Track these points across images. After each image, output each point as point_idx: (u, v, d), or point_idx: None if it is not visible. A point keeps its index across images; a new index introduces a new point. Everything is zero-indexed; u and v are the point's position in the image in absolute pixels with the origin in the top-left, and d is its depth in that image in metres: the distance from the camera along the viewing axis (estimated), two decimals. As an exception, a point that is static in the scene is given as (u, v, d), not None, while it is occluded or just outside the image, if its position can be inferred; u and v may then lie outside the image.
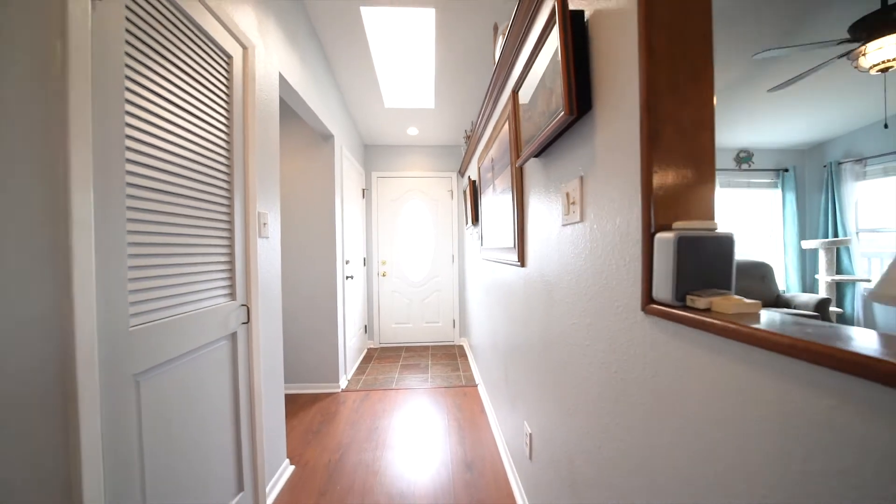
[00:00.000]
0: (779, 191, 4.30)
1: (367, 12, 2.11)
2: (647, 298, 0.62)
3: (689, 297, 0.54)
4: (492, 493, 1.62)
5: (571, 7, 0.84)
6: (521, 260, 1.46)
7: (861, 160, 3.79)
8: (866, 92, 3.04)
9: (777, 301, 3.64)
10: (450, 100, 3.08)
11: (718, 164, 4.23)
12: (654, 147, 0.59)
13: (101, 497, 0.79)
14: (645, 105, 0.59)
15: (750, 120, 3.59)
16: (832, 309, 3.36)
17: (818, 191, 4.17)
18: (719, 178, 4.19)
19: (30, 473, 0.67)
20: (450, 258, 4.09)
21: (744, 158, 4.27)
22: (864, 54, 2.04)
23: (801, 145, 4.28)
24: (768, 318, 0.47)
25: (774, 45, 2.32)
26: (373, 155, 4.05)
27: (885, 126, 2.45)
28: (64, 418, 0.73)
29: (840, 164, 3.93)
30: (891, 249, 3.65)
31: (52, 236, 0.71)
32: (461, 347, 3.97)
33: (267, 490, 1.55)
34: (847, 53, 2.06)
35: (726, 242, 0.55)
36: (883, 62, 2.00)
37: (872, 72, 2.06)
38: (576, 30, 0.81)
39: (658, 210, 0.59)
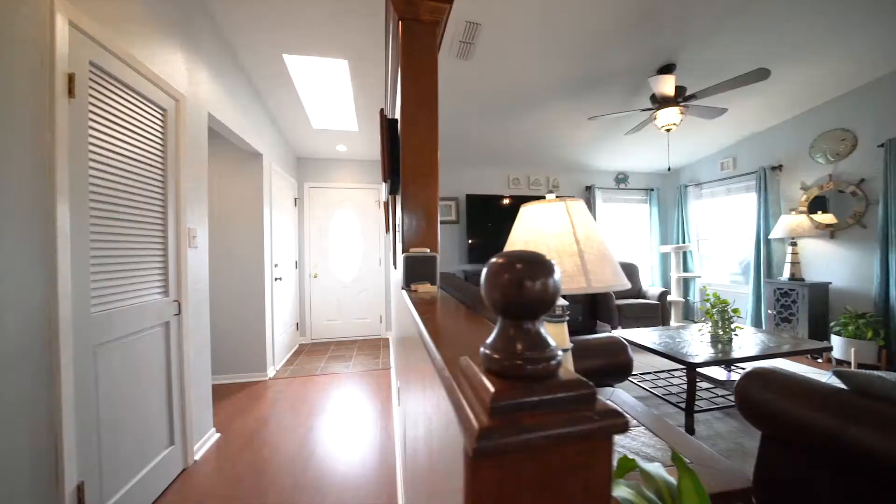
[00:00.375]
0: (647, 206, 5.37)
1: (289, 58, 2.55)
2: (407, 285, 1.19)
3: (412, 285, 1.12)
4: (384, 441, 2.17)
5: (390, 117, 1.41)
6: (395, 264, 2.02)
7: (699, 184, 4.93)
8: (693, 137, 4.07)
9: (639, 293, 4.62)
10: (370, 124, 3.59)
11: (602, 183, 5.20)
12: (405, 207, 1.17)
13: (73, 433, 1.20)
14: (404, 181, 1.17)
15: (622, 152, 4.57)
16: (670, 298, 4.38)
17: (674, 206, 5.28)
18: (602, 195, 5.15)
19: (27, 415, 1.08)
20: (377, 261, 4.59)
21: (621, 179, 5.28)
22: (655, 118, 2.90)
23: (662, 170, 5.40)
24: (434, 294, 1.05)
25: (611, 111, 3.17)
26: (306, 167, 4.43)
27: (669, 169, 3.38)
28: (49, 374, 1.14)
29: (686, 186, 5.05)
30: (716, 253, 4.81)
31: (42, 244, 1.12)
32: (386, 340, 4.49)
33: (195, 448, 1.95)
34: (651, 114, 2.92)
35: (432, 260, 1.14)
36: (665, 125, 2.87)
37: (661, 130, 2.93)
38: (392, 129, 1.38)
39: (405, 240, 1.17)
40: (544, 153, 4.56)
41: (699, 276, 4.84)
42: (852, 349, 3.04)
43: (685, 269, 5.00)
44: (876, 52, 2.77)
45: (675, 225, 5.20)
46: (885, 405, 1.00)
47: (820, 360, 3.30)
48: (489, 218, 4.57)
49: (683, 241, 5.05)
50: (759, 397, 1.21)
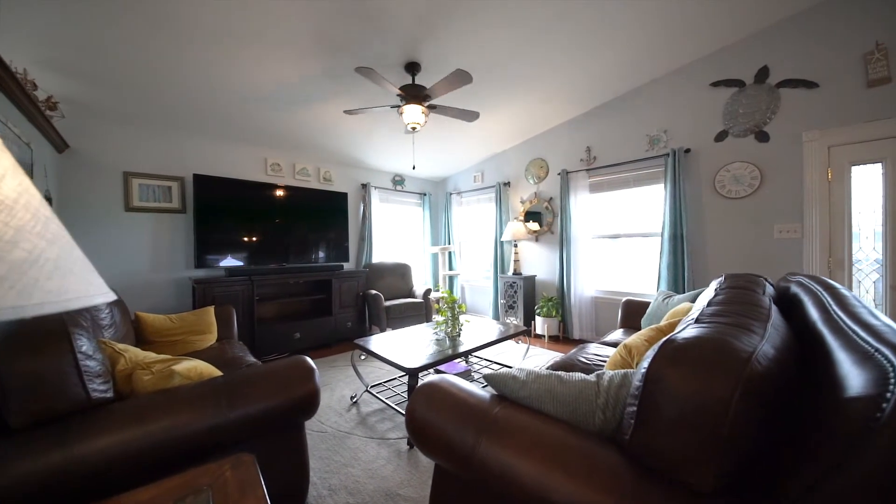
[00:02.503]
0: (421, 209, 5.66)
1: None
2: None
3: None
4: None
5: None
6: None
7: (460, 192, 5.53)
8: (455, 152, 4.42)
9: (409, 292, 4.72)
10: None
11: (380, 183, 5.10)
12: None
13: None
14: None
15: (394, 155, 4.54)
16: (433, 294, 4.66)
17: (443, 211, 5.77)
18: (379, 195, 5.05)
19: None
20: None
21: (398, 181, 5.35)
22: (401, 113, 2.83)
23: (435, 178, 5.83)
24: None
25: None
26: None
27: (413, 167, 3.53)
28: None
29: (451, 194, 5.59)
30: (473, 253, 5.51)
31: None
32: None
33: None
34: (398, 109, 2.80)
35: None
36: (411, 123, 2.84)
37: (408, 127, 2.90)
38: None
39: None
40: (315, 141, 4.02)
41: (459, 274, 5.43)
42: (546, 325, 3.94)
43: (450, 268, 5.52)
44: (556, 105, 3.63)
45: (443, 228, 5.69)
46: (511, 409, 0.95)
47: (520, 341, 4.12)
48: (234, 209, 3.62)
49: (449, 243, 5.56)
50: (420, 417, 1.03)
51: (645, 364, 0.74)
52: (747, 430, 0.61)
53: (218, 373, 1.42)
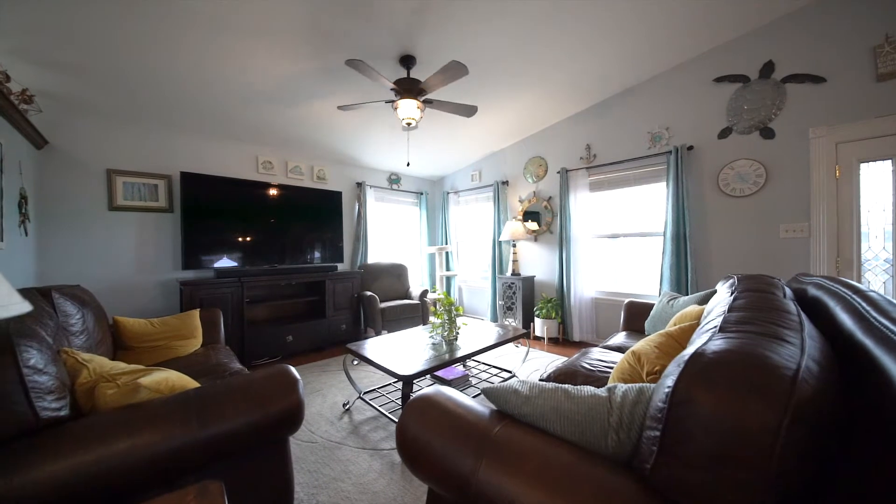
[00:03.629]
0: (417, 208, 5.55)
1: None
2: None
3: None
4: None
5: None
6: None
7: (457, 192, 5.43)
8: (453, 152, 4.32)
9: (406, 294, 4.61)
10: None
11: (375, 182, 4.99)
12: None
13: None
14: None
15: (390, 152, 4.44)
16: (431, 296, 4.56)
17: (440, 210, 5.67)
18: (374, 194, 4.94)
19: None
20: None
21: (394, 180, 5.24)
22: (396, 108, 2.72)
23: (432, 177, 5.72)
24: None
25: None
26: None
27: (408, 164, 3.43)
28: None
29: (448, 193, 5.48)
30: (470, 253, 5.40)
31: None
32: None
33: None
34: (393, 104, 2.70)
35: None
36: (406, 118, 2.73)
37: (403, 123, 2.79)
38: None
39: None
40: (308, 138, 3.90)
41: (456, 275, 5.32)
42: (545, 327, 3.84)
43: (447, 269, 5.41)
44: (555, 102, 3.53)
45: (440, 228, 5.58)
46: (513, 428, 0.84)
47: (520, 343, 4.02)
48: (224, 208, 3.50)
49: (446, 243, 5.45)
50: (413, 436, 0.93)
51: (669, 382, 0.63)
52: (799, 464, 0.51)
53: (194, 384, 1.31)
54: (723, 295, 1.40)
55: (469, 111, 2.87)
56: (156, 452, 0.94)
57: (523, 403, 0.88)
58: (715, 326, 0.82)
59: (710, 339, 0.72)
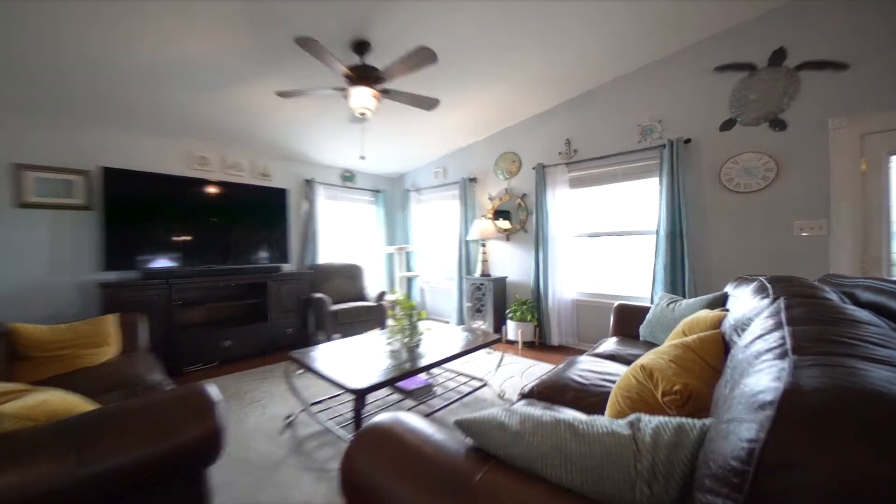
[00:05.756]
0: (374, 207, 5.34)
1: None
2: None
3: None
4: None
5: None
6: None
7: (419, 189, 5.28)
8: (414, 147, 4.16)
9: (360, 295, 4.38)
10: None
11: (326, 179, 4.70)
12: None
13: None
14: None
15: (343, 148, 4.19)
16: (388, 297, 4.35)
17: (400, 209, 5.49)
18: (326, 192, 4.66)
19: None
20: None
21: (347, 178, 4.99)
22: (347, 97, 2.54)
23: (392, 174, 5.53)
24: None
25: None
26: None
27: (362, 157, 3.28)
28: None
29: (408, 191, 5.32)
30: (434, 253, 5.28)
31: None
32: None
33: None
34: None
35: None
36: (359, 109, 2.55)
37: (356, 113, 2.61)
38: None
39: None
40: (249, 132, 3.57)
41: (418, 275, 5.17)
42: (520, 330, 3.66)
43: (408, 269, 5.25)
44: (529, 95, 3.49)
45: (400, 226, 5.41)
46: (499, 475, 0.65)
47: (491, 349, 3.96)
48: (154, 206, 3.14)
49: (407, 243, 5.28)
50: (361, 482, 0.74)
51: (747, 434, 0.44)
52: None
53: (85, 407, 1.08)
54: (751, 301, 1.22)
55: (429, 104, 2.74)
56: (14, 500, 0.72)
57: (512, 443, 0.68)
58: (781, 346, 0.63)
59: (794, 368, 0.52)
